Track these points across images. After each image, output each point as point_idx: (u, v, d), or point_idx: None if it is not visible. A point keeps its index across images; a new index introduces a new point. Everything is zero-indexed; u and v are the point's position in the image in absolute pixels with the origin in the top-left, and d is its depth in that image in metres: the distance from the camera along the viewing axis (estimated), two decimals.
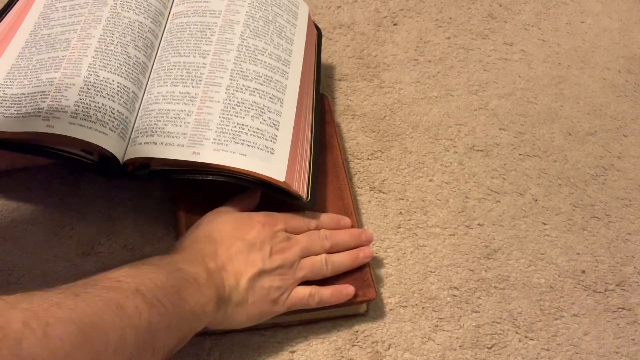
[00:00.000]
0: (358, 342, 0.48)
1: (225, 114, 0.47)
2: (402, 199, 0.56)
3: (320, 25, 0.64)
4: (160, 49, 0.52)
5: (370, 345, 0.48)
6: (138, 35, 0.51)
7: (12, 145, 0.46)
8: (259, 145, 0.47)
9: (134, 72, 0.49)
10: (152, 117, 0.48)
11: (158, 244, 0.51)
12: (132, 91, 0.49)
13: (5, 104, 0.47)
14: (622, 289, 0.53)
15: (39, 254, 0.50)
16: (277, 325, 0.47)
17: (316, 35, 0.61)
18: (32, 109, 0.46)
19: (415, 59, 0.67)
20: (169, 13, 0.55)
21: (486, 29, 0.71)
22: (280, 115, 0.49)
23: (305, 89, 0.54)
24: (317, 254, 0.47)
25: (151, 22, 0.52)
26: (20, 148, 0.46)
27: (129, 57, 0.49)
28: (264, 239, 0.45)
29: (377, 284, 0.51)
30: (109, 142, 0.45)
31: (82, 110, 0.46)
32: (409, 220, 0.55)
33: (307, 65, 0.55)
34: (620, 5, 0.75)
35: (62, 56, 0.49)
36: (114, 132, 0.46)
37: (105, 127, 0.46)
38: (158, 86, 0.49)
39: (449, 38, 0.69)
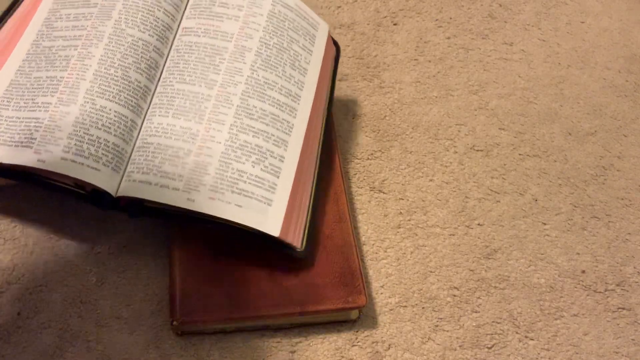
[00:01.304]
0: (358, 342, 0.48)
1: (225, 157, 0.45)
2: (402, 199, 0.56)
3: None
4: (165, 69, 0.50)
5: (370, 345, 0.48)
6: (141, 56, 0.48)
7: (2, 172, 0.45)
8: (257, 196, 0.45)
9: (134, 98, 0.47)
10: (149, 152, 0.46)
11: (158, 245, 0.51)
12: (131, 119, 0.47)
13: (0, 127, 0.46)
14: (622, 289, 0.53)
15: (39, 254, 0.50)
16: (268, 329, 0.48)
17: (334, 55, 0.57)
18: (24, 138, 0.45)
19: (415, 59, 0.67)
20: (178, 26, 0.52)
21: (486, 29, 0.71)
22: (282, 161, 0.47)
23: (314, 124, 0.51)
24: None
25: (157, 39, 0.49)
26: (10, 175, 0.45)
27: (129, 81, 0.47)
28: None
29: (369, 288, 0.51)
30: (101, 178, 0.44)
31: (75, 144, 0.44)
32: (409, 220, 0.55)
33: (318, 97, 0.52)
34: (620, 5, 0.75)
35: (60, 77, 0.47)
36: (107, 166, 0.44)
37: (98, 162, 0.44)
38: (159, 115, 0.47)
39: (449, 38, 0.69)
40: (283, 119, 0.48)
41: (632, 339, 0.50)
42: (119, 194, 0.45)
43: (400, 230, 0.54)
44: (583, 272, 0.53)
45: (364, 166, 0.58)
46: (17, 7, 0.53)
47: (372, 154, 0.59)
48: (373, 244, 0.53)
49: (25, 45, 0.50)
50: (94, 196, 0.45)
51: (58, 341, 0.46)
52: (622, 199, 0.58)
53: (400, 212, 0.55)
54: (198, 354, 0.46)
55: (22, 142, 0.45)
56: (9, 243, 0.50)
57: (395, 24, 0.70)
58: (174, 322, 0.45)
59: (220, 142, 0.46)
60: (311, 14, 0.54)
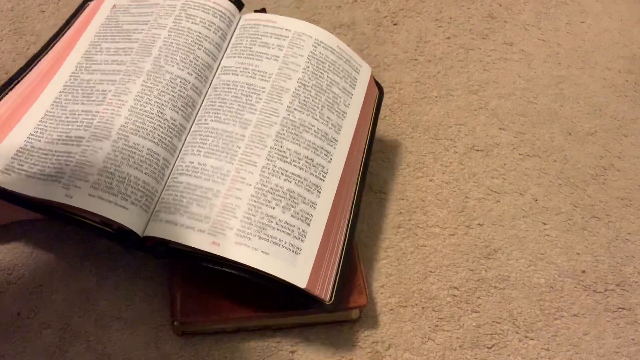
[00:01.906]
0: (358, 342, 0.48)
1: (254, 201, 0.43)
2: (402, 199, 0.56)
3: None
4: (202, 107, 0.48)
5: (370, 345, 0.48)
6: (178, 94, 0.47)
7: (29, 205, 0.44)
8: (285, 243, 0.43)
9: (168, 136, 0.46)
10: (178, 192, 0.44)
11: None
12: (163, 157, 0.45)
13: (31, 159, 0.45)
14: (622, 289, 0.53)
15: (39, 254, 0.50)
16: (268, 329, 0.47)
17: (376, 97, 0.54)
18: (54, 172, 0.44)
19: (415, 59, 0.67)
20: (219, 65, 0.51)
21: (486, 29, 0.71)
22: (314, 207, 0.45)
23: (350, 169, 0.49)
24: None
25: (195, 77, 0.48)
26: (37, 209, 0.44)
27: (164, 119, 0.46)
28: None
29: (369, 288, 0.51)
30: (128, 217, 0.43)
31: (105, 181, 0.43)
32: (409, 220, 0.55)
33: (356, 141, 0.50)
34: (620, 5, 0.75)
35: (96, 111, 0.46)
36: (136, 205, 0.43)
37: (126, 200, 0.43)
38: (191, 154, 0.46)
39: (449, 38, 0.69)
40: (317, 163, 0.46)
41: (632, 339, 0.50)
42: (145, 234, 0.43)
43: (400, 230, 0.54)
44: (583, 272, 0.53)
45: None
46: (60, 37, 0.53)
47: (372, 154, 0.59)
48: (373, 244, 0.53)
49: (64, 77, 0.49)
50: (120, 235, 0.43)
51: (58, 341, 0.46)
52: (622, 199, 0.58)
53: (400, 212, 0.55)
54: (198, 354, 0.46)
55: (51, 176, 0.43)
56: (10, 243, 0.50)
57: (395, 24, 0.70)
58: (174, 322, 0.45)
59: (250, 185, 0.44)
60: (354, 56, 0.52)
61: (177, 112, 0.47)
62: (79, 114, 0.47)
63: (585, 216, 0.57)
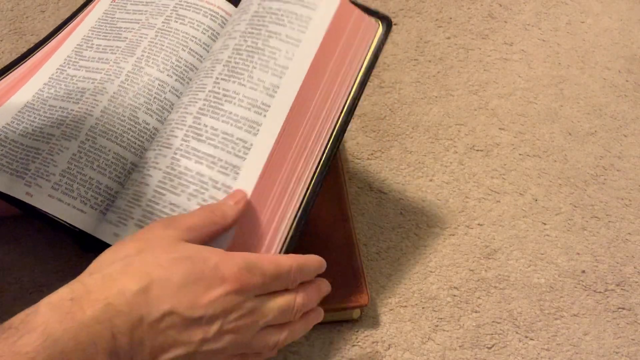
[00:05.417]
0: (358, 342, 0.48)
1: (160, 187, 0.40)
2: (402, 199, 0.56)
3: None
4: None
5: (370, 345, 0.48)
6: (154, 97, 0.45)
7: (3, 197, 0.43)
8: None
9: (139, 140, 0.44)
10: (125, 192, 0.42)
11: None
12: (130, 162, 0.43)
13: (2, 150, 0.44)
14: (622, 289, 0.53)
15: (39, 254, 0.50)
16: None
17: (375, 32, 0.45)
18: (20, 167, 0.43)
19: (415, 59, 0.67)
20: None
21: (486, 29, 0.71)
22: (227, 193, 0.39)
23: (297, 136, 0.41)
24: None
25: (176, 79, 0.46)
26: (10, 201, 0.42)
27: (136, 122, 0.44)
28: (219, 312, 0.32)
29: (369, 288, 0.51)
30: (85, 222, 0.41)
31: (66, 183, 0.42)
32: (409, 220, 0.55)
33: (309, 97, 0.42)
34: (620, 5, 0.75)
35: (71, 110, 0.45)
36: (95, 209, 0.41)
37: (85, 204, 0.41)
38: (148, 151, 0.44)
39: (449, 38, 0.69)
40: (238, 139, 0.40)
41: (632, 339, 0.50)
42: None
43: (400, 230, 0.54)
44: (583, 272, 0.53)
45: (364, 166, 0.58)
46: (62, 29, 0.52)
47: (372, 154, 0.59)
48: (373, 244, 0.53)
49: (51, 69, 0.48)
50: (81, 235, 0.42)
51: None
52: (622, 199, 0.58)
53: (401, 212, 0.55)
54: None
55: (17, 171, 0.43)
56: (9, 243, 0.50)
57: (395, 24, 0.70)
58: None
59: (160, 169, 0.40)
60: None
61: (151, 116, 0.45)
62: (55, 110, 0.45)
63: (585, 216, 0.57)
